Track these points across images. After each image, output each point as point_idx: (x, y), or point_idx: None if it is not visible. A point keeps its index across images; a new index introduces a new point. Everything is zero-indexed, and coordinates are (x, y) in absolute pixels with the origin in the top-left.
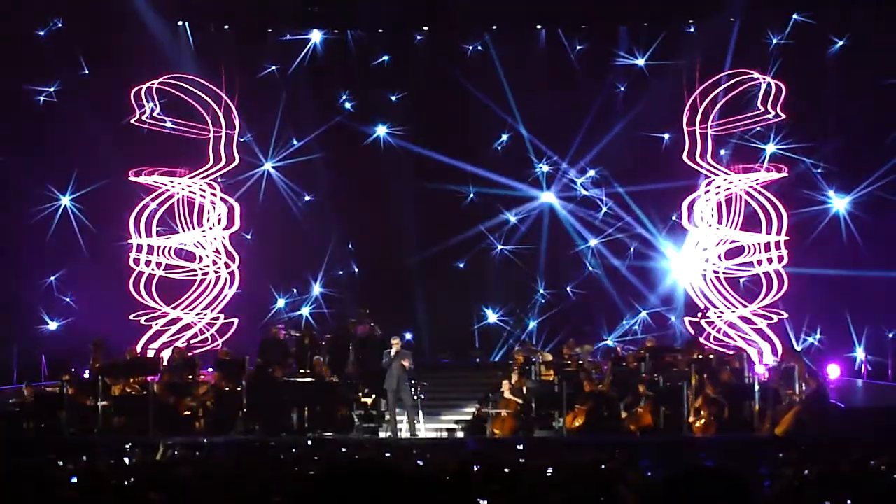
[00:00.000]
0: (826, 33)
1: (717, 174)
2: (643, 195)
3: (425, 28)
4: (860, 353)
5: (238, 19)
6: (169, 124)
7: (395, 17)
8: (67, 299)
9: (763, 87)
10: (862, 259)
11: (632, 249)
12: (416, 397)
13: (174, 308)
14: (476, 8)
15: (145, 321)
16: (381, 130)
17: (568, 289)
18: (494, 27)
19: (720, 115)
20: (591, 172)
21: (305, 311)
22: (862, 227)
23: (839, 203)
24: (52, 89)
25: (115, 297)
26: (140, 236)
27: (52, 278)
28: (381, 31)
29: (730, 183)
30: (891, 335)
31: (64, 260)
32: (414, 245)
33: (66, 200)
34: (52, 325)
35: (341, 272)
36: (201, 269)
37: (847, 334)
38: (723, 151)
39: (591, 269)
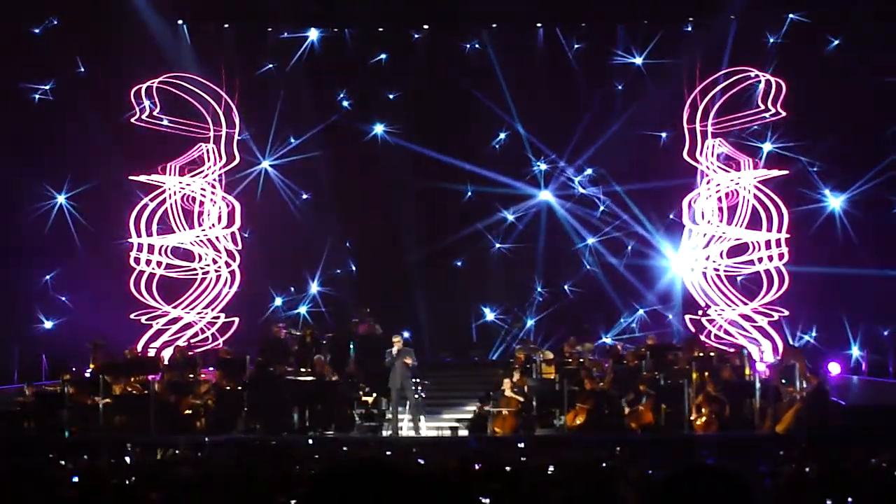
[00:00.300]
0: (821, 32)
1: (717, 171)
2: (641, 193)
3: (424, 26)
4: (855, 351)
5: (236, 17)
6: (165, 122)
7: (394, 15)
8: (63, 298)
9: (763, 83)
10: (857, 257)
11: (629, 248)
12: (417, 396)
13: (175, 307)
14: (474, 6)
15: (146, 320)
16: (379, 129)
17: (565, 287)
18: (494, 25)
19: (720, 112)
20: (589, 171)
21: (303, 309)
22: (857, 225)
23: (835, 201)
24: (47, 87)
25: (113, 295)
26: (140, 235)
27: (48, 277)
28: (379, 29)
29: (731, 180)
30: (886, 332)
31: (60, 259)
32: (412, 243)
33: (61, 199)
34: (48, 325)
35: (339, 271)
36: (202, 268)
37: (842, 332)
38: (724, 148)
39: (588, 267)
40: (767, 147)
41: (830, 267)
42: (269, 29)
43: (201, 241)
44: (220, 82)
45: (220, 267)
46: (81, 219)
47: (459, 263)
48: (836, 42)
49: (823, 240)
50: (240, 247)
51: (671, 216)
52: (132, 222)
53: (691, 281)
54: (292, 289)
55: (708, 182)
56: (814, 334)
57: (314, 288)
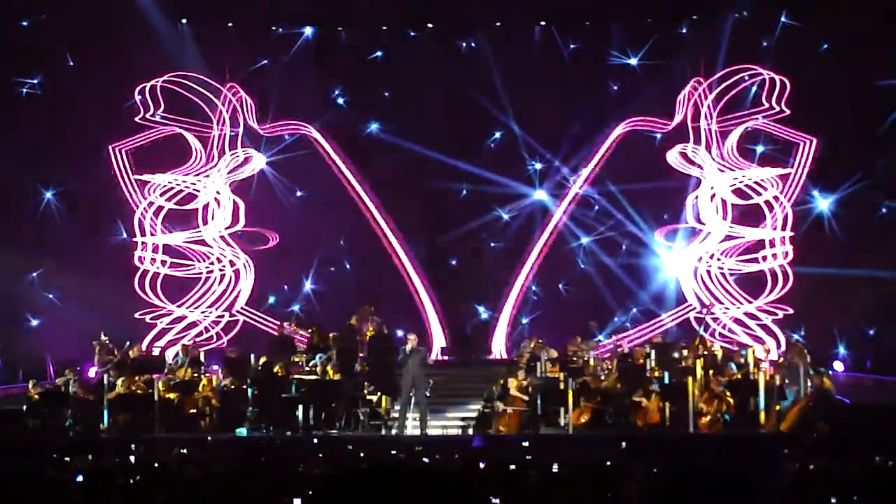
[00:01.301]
0: (812, 35)
1: (723, 170)
2: (635, 193)
3: (423, 25)
4: (842, 350)
5: (235, 15)
6: (158, 118)
7: (390, 13)
8: (50, 296)
9: (767, 81)
10: (845, 257)
11: (623, 247)
12: (428, 394)
13: (179, 306)
14: (471, 5)
15: (151, 319)
16: (374, 126)
17: (560, 286)
18: (499, 24)
19: (722, 111)
20: (584, 170)
21: (296, 308)
22: (845, 226)
23: (823, 203)
24: (35, 81)
25: (110, 293)
26: (144, 234)
27: (34, 274)
28: (378, 27)
29: (734, 179)
30: (871, 332)
31: (53, 256)
32: (406, 242)
33: (49, 195)
34: (34, 322)
35: (332, 269)
36: (206, 266)
37: (830, 331)
38: (715, 152)
39: (582, 266)
40: (759, 149)
41: (819, 267)
42: (273, 28)
43: (204, 239)
44: (216, 79)
45: (224, 266)
46: (75, 216)
47: (454, 262)
48: (825, 46)
49: (811, 240)
50: (252, 246)
51: (665, 216)
52: (136, 220)
53: (693, 279)
54: (285, 287)
55: (712, 180)
56: (802, 333)
57: (308, 286)
